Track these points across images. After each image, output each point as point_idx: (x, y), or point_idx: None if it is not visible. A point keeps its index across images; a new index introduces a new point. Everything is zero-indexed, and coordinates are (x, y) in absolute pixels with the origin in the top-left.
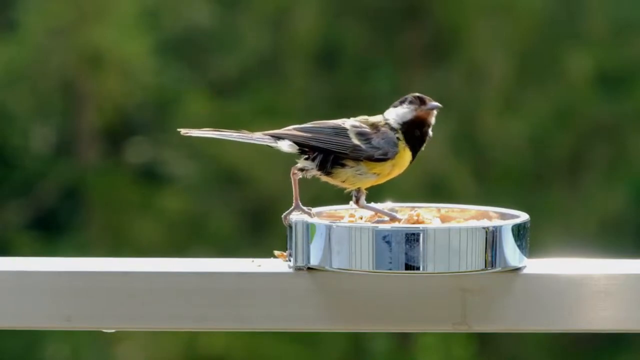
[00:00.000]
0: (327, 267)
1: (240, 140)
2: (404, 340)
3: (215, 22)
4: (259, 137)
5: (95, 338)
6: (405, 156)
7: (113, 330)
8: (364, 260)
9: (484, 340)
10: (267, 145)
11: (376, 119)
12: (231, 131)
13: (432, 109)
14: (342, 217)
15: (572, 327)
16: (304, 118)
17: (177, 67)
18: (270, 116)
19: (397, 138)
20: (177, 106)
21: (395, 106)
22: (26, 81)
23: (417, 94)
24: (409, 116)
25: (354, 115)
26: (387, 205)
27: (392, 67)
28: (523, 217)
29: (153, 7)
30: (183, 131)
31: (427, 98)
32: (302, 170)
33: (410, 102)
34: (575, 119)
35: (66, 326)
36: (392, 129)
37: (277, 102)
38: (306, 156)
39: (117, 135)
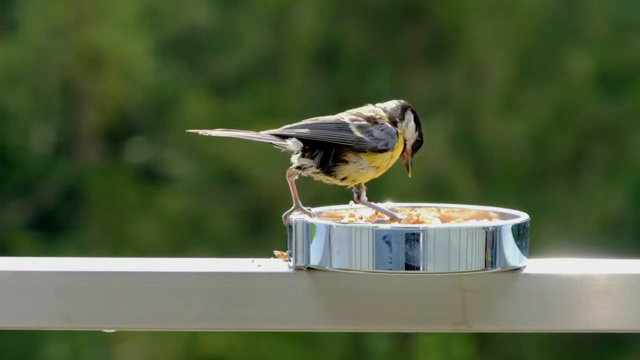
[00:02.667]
0: (327, 267)
1: (247, 138)
2: (404, 340)
3: (215, 22)
4: (265, 136)
5: (95, 338)
6: (399, 147)
7: (113, 330)
8: (364, 260)
9: (484, 340)
10: (272, 143)
11: (372, 112)
12: (238, 131)
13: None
14: (342, 217)
15: (572, 327)
16: (303, 118)
17: (177, 67)
18: (270, 116)
19: (397, 132)
20: (177, 106)
21: (402, 116)
22: (26, 81)
23: (417, 116)
24: (414, 138)
25: None
26: (387, 205)
27: (392, 67)
28: (523, 217)
29: (153, 7)
30: (201, 132)
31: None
32: (299, 168)
33: (417, 125)
34: (575, 119)
35: (66, 326)
36: (394, 124)
37: (277, 102)
38: (307, 153)
39: (117, 135)
